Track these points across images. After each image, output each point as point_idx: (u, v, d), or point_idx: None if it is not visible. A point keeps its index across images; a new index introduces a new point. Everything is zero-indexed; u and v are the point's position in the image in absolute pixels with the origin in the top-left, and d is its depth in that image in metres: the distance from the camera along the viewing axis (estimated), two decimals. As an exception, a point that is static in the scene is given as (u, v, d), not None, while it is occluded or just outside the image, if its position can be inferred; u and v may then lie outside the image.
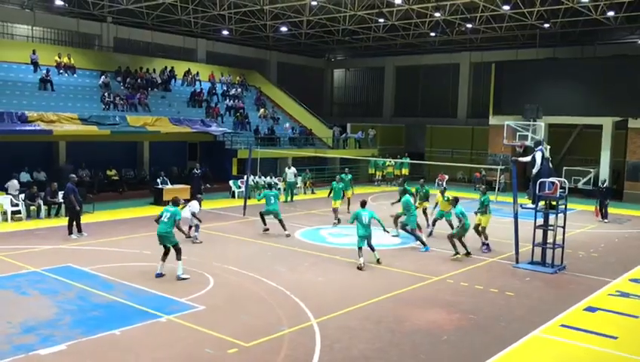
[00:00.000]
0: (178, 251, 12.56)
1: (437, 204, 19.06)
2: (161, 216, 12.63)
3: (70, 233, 16.82)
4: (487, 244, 16.39)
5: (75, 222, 16.98)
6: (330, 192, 21.17)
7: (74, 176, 18.25)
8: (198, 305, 10.78)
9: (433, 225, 18.48)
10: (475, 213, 16.63)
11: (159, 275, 12.50)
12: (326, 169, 34.12)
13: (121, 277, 12.35)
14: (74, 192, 17.07)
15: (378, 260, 14.34)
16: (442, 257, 15.40)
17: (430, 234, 18.18)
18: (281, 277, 12.90)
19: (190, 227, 16.67)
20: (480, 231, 16.45)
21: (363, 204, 14.65)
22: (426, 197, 19.76)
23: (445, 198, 17.94)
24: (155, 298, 11.14)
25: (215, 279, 12.58)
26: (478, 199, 16.95)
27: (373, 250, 14.34)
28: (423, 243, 16.37)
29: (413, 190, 18.99)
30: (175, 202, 13.08)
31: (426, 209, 19.72)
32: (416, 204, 19.76)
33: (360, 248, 14.07)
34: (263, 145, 31.12)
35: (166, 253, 12.65)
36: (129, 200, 24.59)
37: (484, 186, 17.98)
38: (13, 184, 20.83)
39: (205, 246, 16.12)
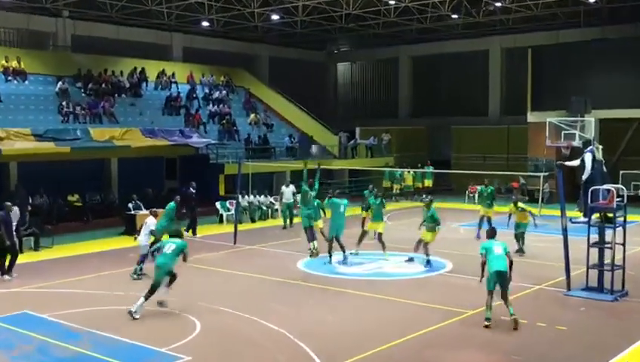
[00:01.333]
0: (174, 279, 13.49)
1: (510, 215, 19.54)
2: (161, 248, 13.59)
3: (2, 273, 16.63)
4: (429, 261, 17.33)
5: (3, 260, 16.70)
6: None
7: (9, 203, 17.70)
8: (183, 355, 10.74)
9: (517, 241, 18.87)
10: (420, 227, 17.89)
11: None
12: (332, 183, 34.09)
13: (88, 325, 12.32)
14: (4, 224, 16.79)
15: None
16: (477, 286, 15.30)
17: (520, 250, 18.73)
18: (282, 317, 12.91)
19: (148, 254, 16.39)
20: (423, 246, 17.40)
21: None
22: (490, 201, 21.42)
23: (520, 209, 19.07)
24: (131, 348, 11.14)
25: (202, 322, 12.57)
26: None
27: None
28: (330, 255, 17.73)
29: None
30: (178, 234, 14.10)
31: (490, 217, 21.09)
32: (481, 212, 21.54)
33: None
34: (255, 158, 31.22)
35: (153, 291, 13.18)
36: (96, 230, 24.63)
37: (428, 197, 19.37)
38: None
39: (189, 283, 16.06)
